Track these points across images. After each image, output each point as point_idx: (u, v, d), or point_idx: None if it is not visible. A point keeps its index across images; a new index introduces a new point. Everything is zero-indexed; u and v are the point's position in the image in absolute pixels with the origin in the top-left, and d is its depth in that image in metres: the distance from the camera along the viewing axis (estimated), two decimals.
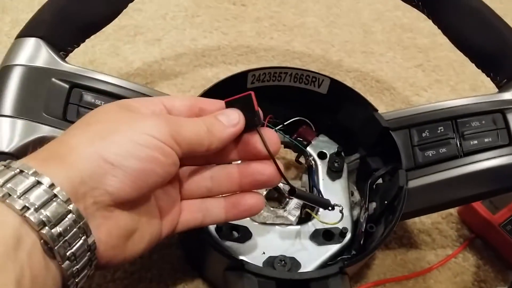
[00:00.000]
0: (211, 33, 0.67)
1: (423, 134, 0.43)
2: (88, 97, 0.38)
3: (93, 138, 0.28)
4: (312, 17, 0.70)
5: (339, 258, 0.43)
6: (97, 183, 0.27)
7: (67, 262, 0.26)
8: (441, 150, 0.42)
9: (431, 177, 0.41)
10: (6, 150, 0.34)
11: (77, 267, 0.27)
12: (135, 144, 0.28)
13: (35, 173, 0.25)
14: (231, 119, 0.32)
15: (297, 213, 0.46)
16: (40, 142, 0.35)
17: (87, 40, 0.43)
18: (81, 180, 0.26)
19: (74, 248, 0.26)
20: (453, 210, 0.52)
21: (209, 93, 0.44)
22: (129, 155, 0.28)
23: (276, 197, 0.48)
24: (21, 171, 0.25)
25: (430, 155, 0.42)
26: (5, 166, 0.26)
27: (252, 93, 0.33)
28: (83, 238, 0.26)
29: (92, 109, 0.37)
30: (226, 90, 0.45)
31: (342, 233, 0.44)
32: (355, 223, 0.45)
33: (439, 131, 0.42)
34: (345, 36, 0.68)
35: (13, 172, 0.25)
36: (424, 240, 0.50)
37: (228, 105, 0.33)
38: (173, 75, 0.61)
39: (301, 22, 0.70)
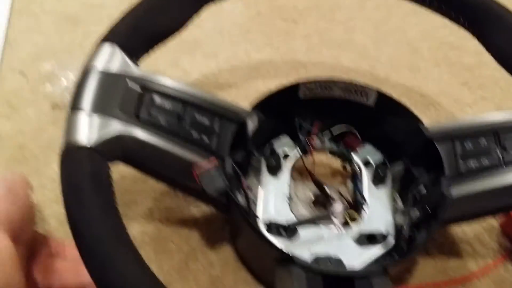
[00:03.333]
0: (263, 48, 0.71)
1: (466, 146, 0.44)
2: (157, 100, 0.42)
3: None
4: (359, 34, 0.73)
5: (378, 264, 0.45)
6: None
7: None
8: (483, 161, 0.43)
9: (473, 185, 0.43)
10: (88, 145, 0.37)
11: None
12: None
13: None
14: None
15: (343, 216, 0.48)
16: (118, 140, 0.39)
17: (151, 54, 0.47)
18: None
19: None
20: (495, 223, 0.53)
21: (263, 103, 0.48)
22: None
23: (322, 203, 0.51)
24: None
25: (472, 165, 0.43)
26: None
27: None
28: None
29: (161, 112, 0.42)
30: (278, 100, 0.49)
31: (385, 237, 0.46)
32: (398, 229, 0.48)
33: (481, 144, 0.44)
34: (392, 53, 0.71)
35: None
36: (465, 249, 0.51)
37: None
38: (228, 86, 0.65)
39: (349, 39, 0.73)
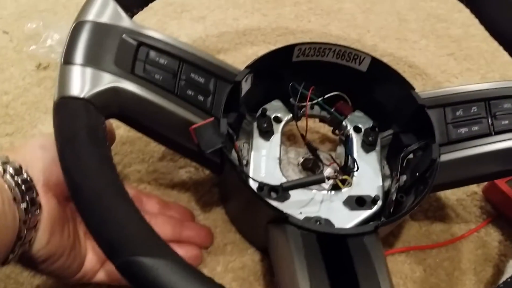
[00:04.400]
0: (252, 14, 0.70)
1: (457, 113, 0.45)
2: (153, 55, 0.41)
3: None
4: (349, 3, 0.73)
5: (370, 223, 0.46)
6: None
7: None
8: (473, 128, 0.44)
9: (462, 152, 0.44)
10: (81, 96, 0.36)
11: None
12: None
13: None
14: None
15: (332, 180, 0.49)
16: (112, 94, 0.38)
17: (137, 15, 0.45)
18: None
19: None
20: (478, 189, 0.54)
21: (256, 64, 0.47)
22: None
23: (310, 167, 0.52)
24: None
25: (463, 132, 0.44)
26: None
27: None
28: None
29: (156, 67, 0.41)
30: (272, 62, 0.49)
31: (374, 200, 0.47)
32: (386, 193, 0.49)
33: (472, 111, 0.45)
34: (381, 23, 0.71)
35: None
36: (449, 214, 0.53)
37: None
38: (216, 51, 0.65)
39: (338, 8, 0.73)
